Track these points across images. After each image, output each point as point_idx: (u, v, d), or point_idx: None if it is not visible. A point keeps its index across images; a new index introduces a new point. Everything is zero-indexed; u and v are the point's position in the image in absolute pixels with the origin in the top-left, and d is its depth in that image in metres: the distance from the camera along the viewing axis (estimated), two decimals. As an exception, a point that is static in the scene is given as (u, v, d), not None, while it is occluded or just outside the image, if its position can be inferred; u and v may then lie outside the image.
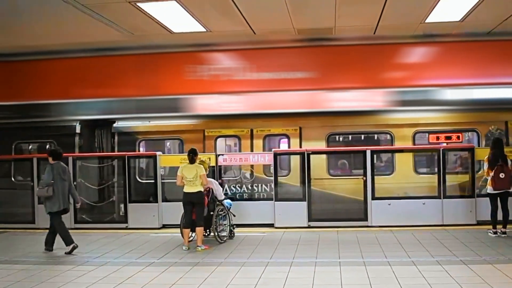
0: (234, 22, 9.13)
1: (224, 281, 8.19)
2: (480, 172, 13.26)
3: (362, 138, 15.59)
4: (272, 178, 13.42)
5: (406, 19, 9.40)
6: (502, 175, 11.27)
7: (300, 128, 15.21)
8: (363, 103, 11.42)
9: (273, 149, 13.62)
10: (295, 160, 13.68)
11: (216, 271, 8.89)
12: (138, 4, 8.63)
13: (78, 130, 15.02)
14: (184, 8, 8.82)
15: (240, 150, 15.40)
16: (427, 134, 15.00)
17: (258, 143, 15.51)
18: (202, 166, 10.99)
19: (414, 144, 14.74)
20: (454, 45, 10.65)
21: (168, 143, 16.69)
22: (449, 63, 10.68)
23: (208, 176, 11.84)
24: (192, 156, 10.97)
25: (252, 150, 15.20)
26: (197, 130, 15.59)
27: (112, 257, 10.24)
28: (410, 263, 9.03)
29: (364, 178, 12.99)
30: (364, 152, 13.07)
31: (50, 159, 11.05)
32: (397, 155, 13.90)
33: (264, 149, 15.34)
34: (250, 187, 13.76)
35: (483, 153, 12.10)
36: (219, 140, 15.77)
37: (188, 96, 12.00)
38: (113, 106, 13.40)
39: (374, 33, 10.13)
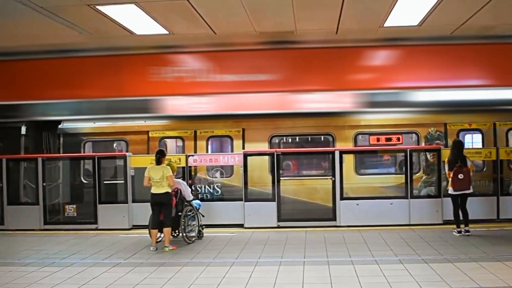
0: (196, 25, 9.14)
1: (187, 281, 8.24)
2: (418, 174, 13.49)
3: (304, 140, 15.72)
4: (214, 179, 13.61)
5: (364, 23, 9.54)
6: (461, 176, 11.49)
7: (243, 130, 15.35)
8: (331, 104, 11.58)
9: (242, 151, 13.69)
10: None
11: (180, 271, 8.94)
12: (97, 7, 8.58)
13: (24, 131, 14.94)
14: (144, 11, 8.81)
15: (183, 151, 15.43)
16: (367, 135, 15.23)
17: (202, 144, 15.67)
18: (168, 167, 11.02)
19: (355, 145, 14.93)
20: (416, 49, 10.82)
21: (115, 144, 16.74)
22: (412, 67, 10.85)
23: (177, 177, 11.90)
24: (159, 157, 11.00)
25: (195, 151, 15.31)
26: (141, 132, 15.68)
27: (79, 258, 10.23)
28: (373, 262, 9.16)
29: (333, 179, 13.10)
30: (333, 153, 13.20)
31: None
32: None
33: (207, 151, 15.62)
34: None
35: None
36: (163, 141, 15.94)
37: (159, 97, 12.02)
38: (82, 107, 13.39)
39: (337, 31, 10.20)
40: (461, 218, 11.68)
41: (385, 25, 9.44)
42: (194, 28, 9.39)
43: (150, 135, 15.63)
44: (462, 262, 9.00)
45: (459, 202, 11.73)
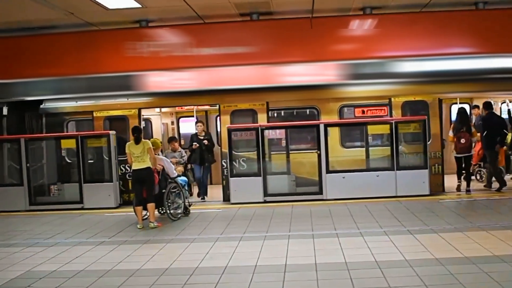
0: (169, -3, 8.95)
1: (170, 258, 8.18)
2: (402, 147, 13.43)
3: (289, 113, 15.43)
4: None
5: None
6: (462, 141, 12.87)
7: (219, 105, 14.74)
8: (314, 77, 11.36)
9: (227, 126, 13.51)
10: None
11: (164, 248, 8.89)
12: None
13: (5, 112, 14.60)
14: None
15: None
16: (352, 108, 14.87)
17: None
18: (148, 141, 10.87)
19: (340, 118, 14.54)
20: (397, 17, 10.65)
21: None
22: (394, 36, 10.66)
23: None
24: (137, 136, 10.74)
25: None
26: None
27: (63, 237, 10.15)
28: (358, 235, 9.13)
29: (318, 152, 13.03)
30: (318, 126, 13.11)
31: None
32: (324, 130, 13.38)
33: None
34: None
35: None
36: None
37: (140, 73, 11.75)
38: (63, 86, 13.09)
39: (313, 6, 10.00)
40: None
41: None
42: (167, 0, 9.15)
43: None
44: (448, 232, 8.98)
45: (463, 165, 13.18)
